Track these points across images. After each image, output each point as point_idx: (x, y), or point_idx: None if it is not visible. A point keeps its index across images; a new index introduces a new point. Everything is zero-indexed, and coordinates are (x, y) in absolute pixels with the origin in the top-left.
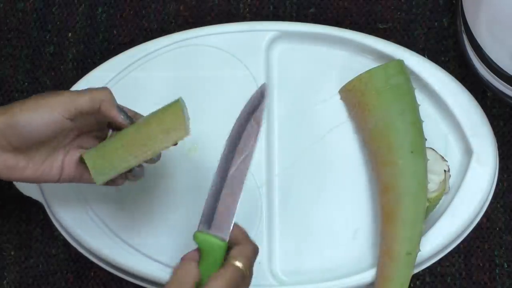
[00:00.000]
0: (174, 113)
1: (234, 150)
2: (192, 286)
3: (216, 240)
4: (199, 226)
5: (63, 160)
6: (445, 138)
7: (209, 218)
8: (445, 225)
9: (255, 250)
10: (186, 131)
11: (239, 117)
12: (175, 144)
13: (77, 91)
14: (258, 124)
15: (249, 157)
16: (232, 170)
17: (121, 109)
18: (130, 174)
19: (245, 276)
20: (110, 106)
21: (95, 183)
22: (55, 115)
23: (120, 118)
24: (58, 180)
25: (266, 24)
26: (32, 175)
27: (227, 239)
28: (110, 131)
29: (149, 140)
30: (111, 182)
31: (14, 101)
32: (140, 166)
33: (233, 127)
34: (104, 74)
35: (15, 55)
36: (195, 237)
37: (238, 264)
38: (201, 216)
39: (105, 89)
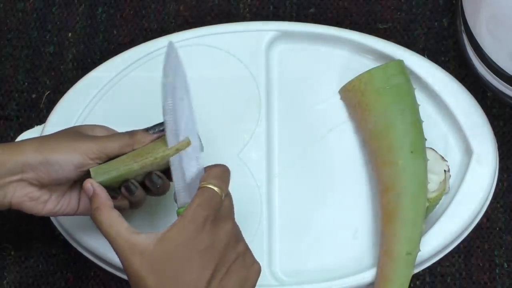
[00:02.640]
0: None
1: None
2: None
3: None
4: (177, 202)
5: (80, 194)
6: (445, 138)
7: (180, 192)
8: (445, 225)
9: (223, 169)
10: (189, 143)
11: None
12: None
13: (107, 137)
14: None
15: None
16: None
17: (152, 128)
18: (133, 197)
19: (220, 195)
20: (144, 139)
21: None
22: (86, 159)
23: (155, 135)
24: (75, 213)
25: (266, 24)
26: (52, 209)
27: None
28: None
29: (153, 148)
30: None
31: (14, 101)
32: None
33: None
34: (104, 74)
35: (15, 55)
36: (178, 214)
37: (207, 185)
38: (174, 194)
39: (132, 135)
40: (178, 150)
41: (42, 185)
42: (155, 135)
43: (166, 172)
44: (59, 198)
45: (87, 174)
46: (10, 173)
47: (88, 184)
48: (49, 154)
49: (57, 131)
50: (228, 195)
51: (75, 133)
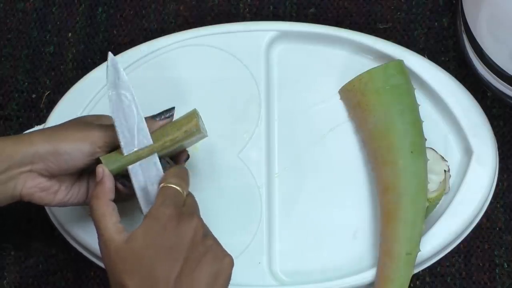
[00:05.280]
0: (188, 115)
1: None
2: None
3: None
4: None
5: (88, 183)
6: (445, 138)
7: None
8: (445, 225)
9: (181, 169)
10: (196, 125)
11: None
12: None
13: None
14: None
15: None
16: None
17: (159, 115)
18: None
19: (181, 192)
20: (152, 126)
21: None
22: (95, 148)
23: (162, 122)
24: (84, 202)
25: (266, 24)
26: (62, 199)
27: None
28: None
29: (161, 135)
30: (119, 196)
31: (14, 101)
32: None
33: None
34: (104, 74)
35: (15, 55)
36: None
37: (167, 184)
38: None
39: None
40: (186, 132)
41: (52, 175)
42: (162, 122)
43: (174, 158)
44: (68, 188)
45: (95, 163)
46: (20, 164)
47: (100, 169)
48: (58, 144)
49: (63, 122)
50: (190, 194)
51: (82, 123)
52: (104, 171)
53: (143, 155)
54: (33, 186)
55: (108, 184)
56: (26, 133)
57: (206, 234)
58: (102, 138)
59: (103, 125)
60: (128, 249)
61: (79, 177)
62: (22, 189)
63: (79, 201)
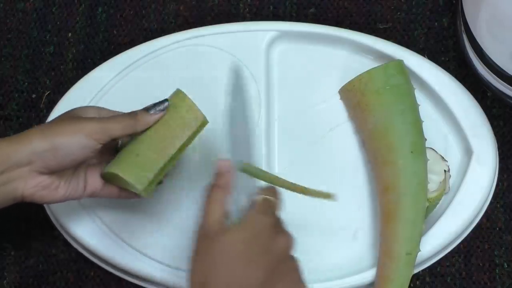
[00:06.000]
0: (180, 99)
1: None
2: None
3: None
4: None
5: (86, 176)
6: (445, 138)
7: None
8: (445, 225)
9: (276, 189)
10: (203, 122)
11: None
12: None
13: (109, 118)
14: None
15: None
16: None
17: (152, 107)
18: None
19: (279, 207)
20: (146, 119)
21: (111, 197)
22: (91, 141)
23: (157, 115)
24: (82, 196)
25: (266, 24)
26: (63, 195)
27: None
28: (120, 141)
29: (169, 133)
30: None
31: (14, 101)
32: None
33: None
34: (104, 74)
35: (15, 55)
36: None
37: (266, 195)
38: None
39: (133, 116)
40: (192, 122)
41: (51, 172)
42: (157, 115)
43: None
44: (68, 182)
45: (93, 156)
46: (18, 164)
47: (228, 163)
48: (54, 139)
49: (49, 117)
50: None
51: (74, 117)
52: (231, 165)
53: (274, 181)
54: (34, 186)
55: (233, 178)
56: (22, 132)
57: (292, 255)
58: (97, 129)
59: (98, 118)
60: (225, 240)
61: (76, 170)
62: (24, 190)
63: (79, 195)
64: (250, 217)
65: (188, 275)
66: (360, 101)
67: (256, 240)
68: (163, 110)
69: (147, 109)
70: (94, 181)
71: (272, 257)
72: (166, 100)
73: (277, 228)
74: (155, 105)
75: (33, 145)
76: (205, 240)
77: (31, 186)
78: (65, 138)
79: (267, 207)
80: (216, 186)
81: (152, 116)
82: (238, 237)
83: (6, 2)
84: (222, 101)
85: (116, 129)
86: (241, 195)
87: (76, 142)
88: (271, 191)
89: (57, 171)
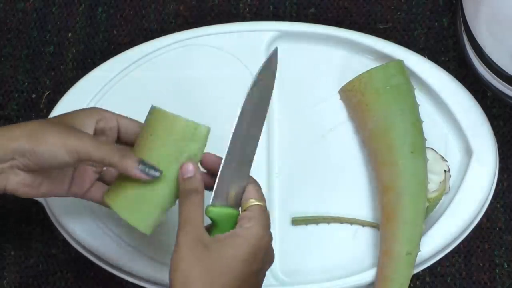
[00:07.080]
0: (163, 118)
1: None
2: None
3: (229, 210)
4: (212, 200)
5: (73, 176)
6: (445, 138)
7: (221, 192)
8: (445, 225)
9: (258, 185)
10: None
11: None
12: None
13: (96, 143)
14: (268, 90)
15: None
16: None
17: (145, 166)
18: None
19: (267, 212)
20: (128, 170)
21: (95, 202)
22: (71, 157)
23: (138, 175)
24: (66, 195)
25: (266, 24)
26: (47, 191)
27: (239, 208)
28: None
29: (177, 146)
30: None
31: (14, 101)
32: None
33: (246, 97)
34: (104, 74)
35: (15, 55)
36: (207, 212)
37: (259, 203)
38: (214, 191)
39: (120, 155)
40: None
41: (32, 171)
42: (138, 175)
43: None
44: (50, 181)
45: (72, 165)
46: (1, 160)
47: (193, 167)
48: (36, 146)
49: (49, 117)
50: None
51: (66, 126)
52: (198, 168)
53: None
54: (17, 182)
55: (203, 182)
56: (11, 125)
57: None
58: (78, 150)
59: (86, 135)
60: (225, 254)
61: (62, 170)
62: (6, 185)
63: (62, 194)
64: (255, 229)
65: (172, 275)
66: (360, 101)
67: (255, 259)
68: (149, 176)
69: (140, 163)
70: (80, 182)
71: (261, 278)
72: (159, 170)
73: (270, 243)
74: (148, 166)
75: (18, 144)
76: (197, 245)
77: (14, 182)
78: (46, 147)
79: (268, 219)
80: (191, 190)
81: (135, 173)
82: (239, 253)
83: (6, 2)
84: (222, 101)
85: (97, 157)
86: (231, 190)
87: (56, 154)
88: (259, 192)
89: (38, 171)
